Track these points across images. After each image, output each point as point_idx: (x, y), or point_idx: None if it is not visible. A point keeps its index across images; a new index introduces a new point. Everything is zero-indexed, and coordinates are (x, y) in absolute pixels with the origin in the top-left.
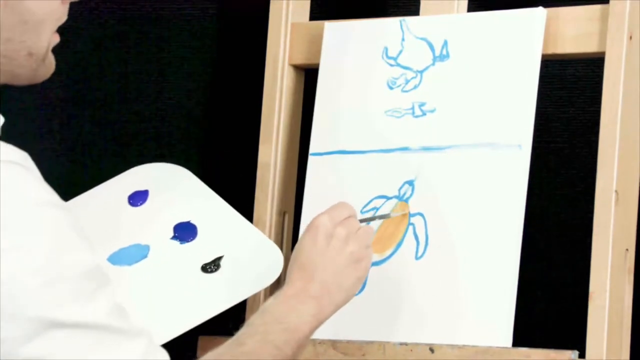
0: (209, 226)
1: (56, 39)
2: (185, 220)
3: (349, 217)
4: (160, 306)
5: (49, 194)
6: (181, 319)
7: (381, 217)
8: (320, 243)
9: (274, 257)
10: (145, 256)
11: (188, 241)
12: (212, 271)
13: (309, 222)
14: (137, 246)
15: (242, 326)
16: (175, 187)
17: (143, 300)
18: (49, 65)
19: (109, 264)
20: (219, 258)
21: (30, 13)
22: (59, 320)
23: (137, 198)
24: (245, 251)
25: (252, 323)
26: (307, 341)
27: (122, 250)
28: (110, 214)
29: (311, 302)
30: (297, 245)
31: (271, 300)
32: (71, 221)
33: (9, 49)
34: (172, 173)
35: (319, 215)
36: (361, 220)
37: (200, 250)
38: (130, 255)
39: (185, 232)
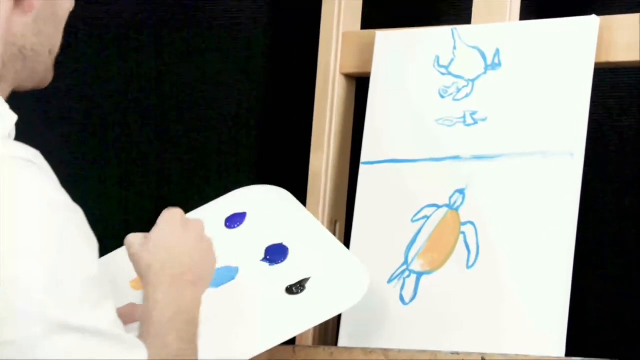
0: (301, 248)
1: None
2: (277, 242)
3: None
4: (240, 327)
5: (59, 193)
6: (257, 340)
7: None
8: (182, 241)
9: (361, 278)
10: (233, 278)
11: (278, 263)
12: (296, 293)
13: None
14: (227, 268)
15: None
16: (272, 209)
17: (224, 321)
18: (52, 70)
19: None
20: (305, 280)
21: (58, 9)
22: (65, 322)
23: (234, 220)
24: (333, 273)
25: (156, 319)
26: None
27: None
28: None
29: (191, 287)
30: (149, 249)
31: (157, 294)
32: (80, 225)
33: (37, 43)
34: (270, 195)
35: (167, 224)
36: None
37: (288, 272)
38: (219, 277)
39: (276, 254)
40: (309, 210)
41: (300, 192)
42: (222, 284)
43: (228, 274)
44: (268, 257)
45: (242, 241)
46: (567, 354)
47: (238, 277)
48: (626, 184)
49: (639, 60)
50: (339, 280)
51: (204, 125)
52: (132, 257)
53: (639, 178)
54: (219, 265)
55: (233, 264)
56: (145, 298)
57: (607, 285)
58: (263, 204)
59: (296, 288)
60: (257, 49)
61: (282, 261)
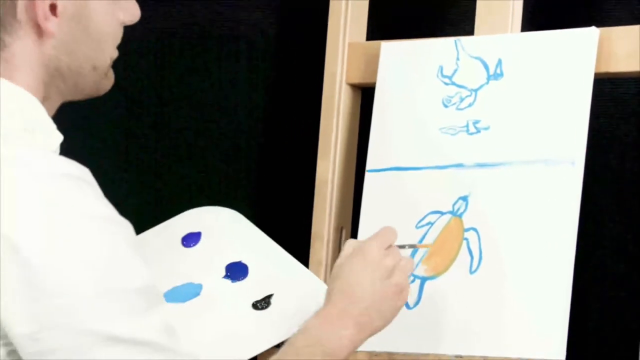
0: (260, 266)
1: (115, 53)
2: (236, 260)
3: (394, 245)
4: (212, 340)
5: (108, 208)
6: (231, 353)
7: (411, 246)
8: (368, 270)
9: (320, 291)
10: (198, 294)
11: (239, 280)
12: (262, 308)
13: (358, 245)
14: (190, 285)
15: (283, 345)
16: (227, 229)
17: (195, 335)
18: (110, 78)
19: None
20: (269, 296)
21: (94, 27)
22: (112, 334)
23: (190, 240)
24: (293, 288)
25: (294, 344)
26: None
27: (175, 288)
28: (164, 255)
29: (352, 326)
30: (342, 267)
31: (313, 319)
32: (128, 237)
33: (75, 63)
34: (224, 216)
35: (368, 242)
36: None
37: (251, 288)
38: (184, 293)
39: (236, 271)
40: (315, 217)
41: (306, 200)
42: (188, 299)
43: (192, 290)
44: (229, 274)
45: (200, 259)
46: (568, 357)
47: (203, 292)
48: (625, 191)
49: (637, 71)
50: (301, 295)
51: (210, 133)
52: (334, 267)
53: (638, 185)
54: (181, 282)
55: (195, 281)
56: (319, 314)
57: (607, 291)
58: (216, 224)
59: (261, 304)
60: (264, 59)
61: (243, 278)
